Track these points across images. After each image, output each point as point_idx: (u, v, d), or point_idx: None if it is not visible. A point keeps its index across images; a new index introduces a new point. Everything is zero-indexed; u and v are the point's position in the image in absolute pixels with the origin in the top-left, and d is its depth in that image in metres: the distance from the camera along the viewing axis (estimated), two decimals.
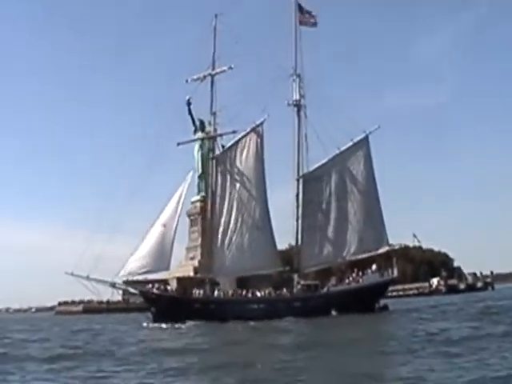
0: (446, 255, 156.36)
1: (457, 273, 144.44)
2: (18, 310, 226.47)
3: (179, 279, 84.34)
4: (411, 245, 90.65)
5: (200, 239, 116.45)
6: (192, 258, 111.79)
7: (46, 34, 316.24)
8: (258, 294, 59.38)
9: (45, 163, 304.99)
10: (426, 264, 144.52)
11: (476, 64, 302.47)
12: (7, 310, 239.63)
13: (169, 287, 62.97)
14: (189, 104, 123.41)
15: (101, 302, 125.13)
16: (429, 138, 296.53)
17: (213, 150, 63.43)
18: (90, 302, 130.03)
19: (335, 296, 56.88)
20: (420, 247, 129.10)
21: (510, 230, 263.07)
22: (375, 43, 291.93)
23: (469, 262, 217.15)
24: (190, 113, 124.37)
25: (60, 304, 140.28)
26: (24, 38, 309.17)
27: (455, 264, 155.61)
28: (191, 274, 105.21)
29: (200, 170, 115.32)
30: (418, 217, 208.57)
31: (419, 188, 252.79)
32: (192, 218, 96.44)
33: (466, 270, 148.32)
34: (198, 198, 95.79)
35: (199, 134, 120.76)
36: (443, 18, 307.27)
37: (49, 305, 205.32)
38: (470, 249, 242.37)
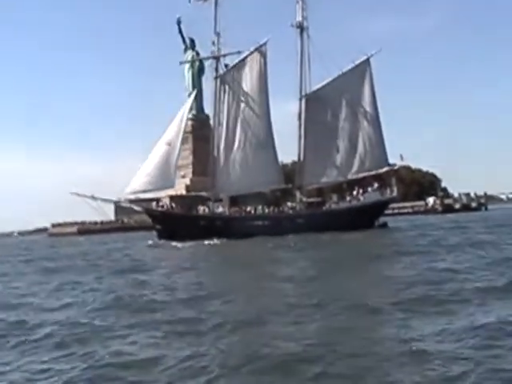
0: (434, 175, 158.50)
1: (444, 193, 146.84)
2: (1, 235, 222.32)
3: (172, 197, 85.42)
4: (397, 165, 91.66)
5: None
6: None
7: None
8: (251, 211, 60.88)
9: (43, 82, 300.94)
10: (416, 184, 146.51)
11: None
12: None
13: (160, 203, 63.52)
14: (179, 23, 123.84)
15: (95, 223, 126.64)
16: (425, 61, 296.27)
17: (216, 70, 63.17)
18: (83, 223, 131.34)
19: (337, 213, 58.24)
20: (409, 167, 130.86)
21: (496, 153, 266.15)
22: None
23: (455, 184, 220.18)
24: (180, 32, 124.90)
25: (54, 226, 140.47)
26: None
27: (443, 185, 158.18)
28: (183, 192, 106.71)
29: (190, 89, 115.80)
30: (404, 138, 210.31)
31: (407, 110, 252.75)
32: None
33: (452, 191, 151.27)
34: (190, 116, 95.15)
35: (189, 52, 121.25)
36: None
37: (30, 228, 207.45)
38: (457, 170, 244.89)
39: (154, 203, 61.81)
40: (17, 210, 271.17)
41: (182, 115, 62.30)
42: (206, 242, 50.78)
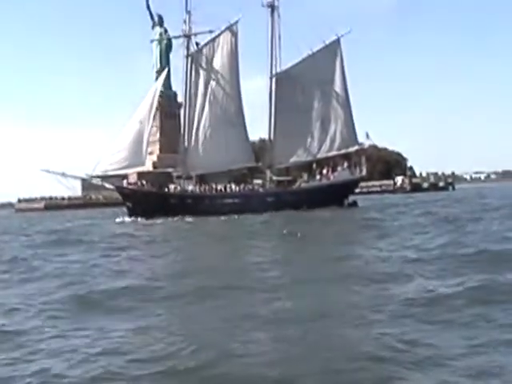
0: (399, 154, 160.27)
1: (410, 172, 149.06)
2: None
3: (139, 174, 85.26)
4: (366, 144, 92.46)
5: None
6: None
7: None
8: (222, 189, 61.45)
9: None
10: (382, 163, 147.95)
11: None
12: None
13: (124, 181, 63.55)
14: None
15: (62, 198, 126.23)
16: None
17: (187, 48, 63.16)
18: (51, 198, 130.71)
19: (307, 192, 59.02)
20: (375, 146, 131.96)
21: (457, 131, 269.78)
22: None
23: (420, 163, 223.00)
24: (148, 8, 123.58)
25: (20, 201, 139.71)
26: None
27: (408, 164, 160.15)
28: (150, 168, 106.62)
29: (158, 66, 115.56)
30: (369, 116, 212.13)
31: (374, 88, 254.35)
32: None
33: (417, 170, 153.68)
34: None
35: (157, 29, 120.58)
36: None
37: None
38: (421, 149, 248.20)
39: (124, 181, 61.79)
40: None
41: (154, 93, 62.43)
42: (176, 219, 51.43)
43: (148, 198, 57.96)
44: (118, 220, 55.61)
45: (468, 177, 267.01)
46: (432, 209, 49.27)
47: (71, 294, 15.20)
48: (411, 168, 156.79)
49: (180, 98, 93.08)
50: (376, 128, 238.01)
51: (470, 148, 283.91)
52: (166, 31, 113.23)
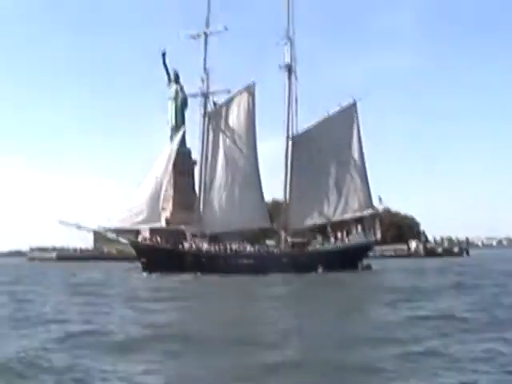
0: (412, 219, 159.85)
1: (423, 236, 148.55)
2: None
3: (152, 230, 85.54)
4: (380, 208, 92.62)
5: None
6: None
7: None
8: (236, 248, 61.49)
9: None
10: (394, 227, 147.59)
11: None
12: None
13: (140, 236, 63.88)
14: (163, 55, 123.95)
15: (74, 250, 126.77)
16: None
17: (205, 107, 64.10)
18: (63, 249, 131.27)
19: (322, 254, 59.09)
20: (388, 210, 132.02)
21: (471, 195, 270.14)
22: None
23: (432, 227, 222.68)
24: (164, 64, 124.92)
25: (33, 250, 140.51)
26: None
27: (421, 229, 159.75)
28: (163, 224, 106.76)
29: (173, 123, 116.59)
30: (382, 179, 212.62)
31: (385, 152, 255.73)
32: None
33: (430, 235, 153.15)
34: None
35: (173, 86, 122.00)
36: None
37: (3, 250, 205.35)
38: (434, 214, 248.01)
39: (140, 236, 62.26)
40: None
41: (171, 150, 63.30)
42: (191, 276, 51.68)
43: (163, 255, 58.06)
44: (136, 275, 56.37)
45: (480, 243, 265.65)
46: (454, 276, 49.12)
47: None
48: (423, 233, 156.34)
49: (194, 155, 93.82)
50: (388, 191, 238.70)
51: (482, 214, 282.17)
52: (181, 88, 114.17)
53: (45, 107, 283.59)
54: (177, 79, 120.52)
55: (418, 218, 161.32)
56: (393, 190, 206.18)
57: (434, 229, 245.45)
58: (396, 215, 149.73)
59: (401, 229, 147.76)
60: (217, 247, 60.88)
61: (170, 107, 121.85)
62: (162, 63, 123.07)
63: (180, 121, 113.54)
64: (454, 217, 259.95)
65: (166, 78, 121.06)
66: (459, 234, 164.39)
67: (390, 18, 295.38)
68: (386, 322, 20.15)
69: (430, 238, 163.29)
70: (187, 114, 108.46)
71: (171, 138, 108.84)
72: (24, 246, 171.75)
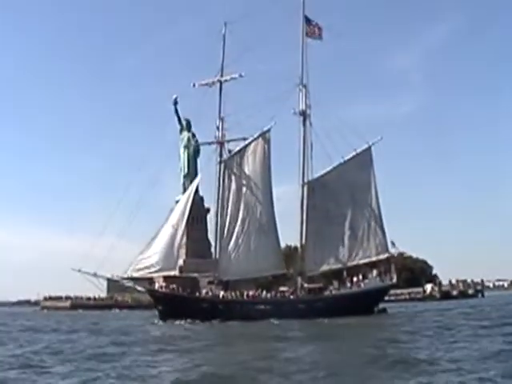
0: (425, 262, 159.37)
1: (437, 279, 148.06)
2: None
3: (165, 277, 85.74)
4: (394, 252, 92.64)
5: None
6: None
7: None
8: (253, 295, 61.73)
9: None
10: (407, 270, 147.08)
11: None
12: None
13: (156, 284, 64.11)
14: (175, 103, 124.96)
15: (88, 298, 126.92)
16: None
17: (220, 155, 64.88)
18: (77, 297, 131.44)
19: (338, 299, 59.24)
20: (401, 254, 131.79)
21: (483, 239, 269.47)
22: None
23: (443, 270, 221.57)
24: (176, 112, 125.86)
25: (46, 299, 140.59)
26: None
27: (433, 271, 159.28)
28: (176, 272, 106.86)
29: (186, 170, 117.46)
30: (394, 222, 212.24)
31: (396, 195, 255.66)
32: None
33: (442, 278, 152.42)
34: None
35: (185, 134, 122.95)
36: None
37: (11, 300, 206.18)
38: (446, 257, 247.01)
39: (156, 284, 62.54)
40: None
41: (187, 199, 63.92)
42: (210, 323, 52.28)
43: (180, 302, 58.39)
44: (155, 321, 56.95)
45: (491, 284, 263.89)
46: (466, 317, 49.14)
47: None
48: (436, 275, 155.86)
49: (207, 203, 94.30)
50: (400, 235, 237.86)
51: (493, 256, 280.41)
52: (193, 136, 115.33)
53: (58, 164, 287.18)
54: (189, 127, 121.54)
55: (430, 261, 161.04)
56: (404, 233, 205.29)
57: (448, 271, 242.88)
58: (408, 258, 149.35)
59: (413, 272, 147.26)
60: (233, 294, 61.06)
61: (183, 155, 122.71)
62: (174, 111, 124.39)
63: (193, 168, 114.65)
64: (463, 259, 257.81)
65: (178, 125, 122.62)
66: (471, 276, 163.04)
67: (401, 58, 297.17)
68: None
69: (444, 281, 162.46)
70: (200, 161, 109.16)
71: (183, 185, 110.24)
72: (32, 296, 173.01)
